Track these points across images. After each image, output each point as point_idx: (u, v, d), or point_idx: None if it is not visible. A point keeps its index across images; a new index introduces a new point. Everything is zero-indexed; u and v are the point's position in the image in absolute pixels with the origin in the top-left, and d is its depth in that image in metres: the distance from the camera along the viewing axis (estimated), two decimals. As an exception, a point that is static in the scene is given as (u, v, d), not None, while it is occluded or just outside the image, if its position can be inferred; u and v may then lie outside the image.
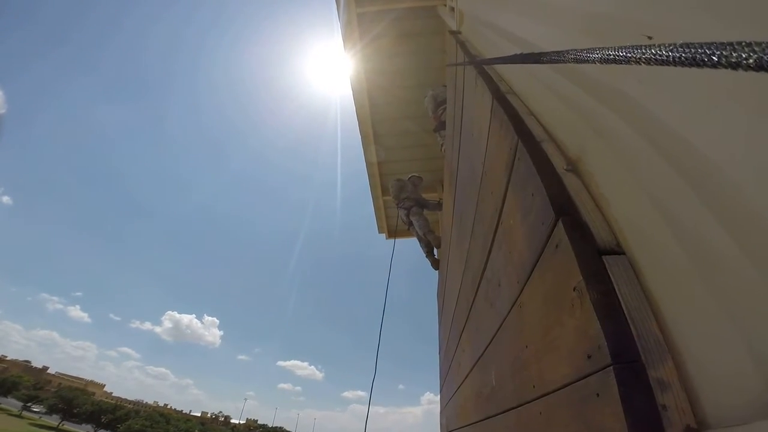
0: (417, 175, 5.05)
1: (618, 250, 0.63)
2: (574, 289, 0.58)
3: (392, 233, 5.83)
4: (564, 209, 0.71)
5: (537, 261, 0.76)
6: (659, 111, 0.59)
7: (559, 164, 0.87)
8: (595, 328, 0.50)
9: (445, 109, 3.90)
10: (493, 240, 1.19)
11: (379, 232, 6.27)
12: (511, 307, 0.94)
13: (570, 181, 0.81)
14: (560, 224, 0.67)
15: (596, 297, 0.53)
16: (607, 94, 0.76)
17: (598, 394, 0.47)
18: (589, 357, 0.51)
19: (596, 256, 0.61)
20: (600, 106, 0.80)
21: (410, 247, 5.04)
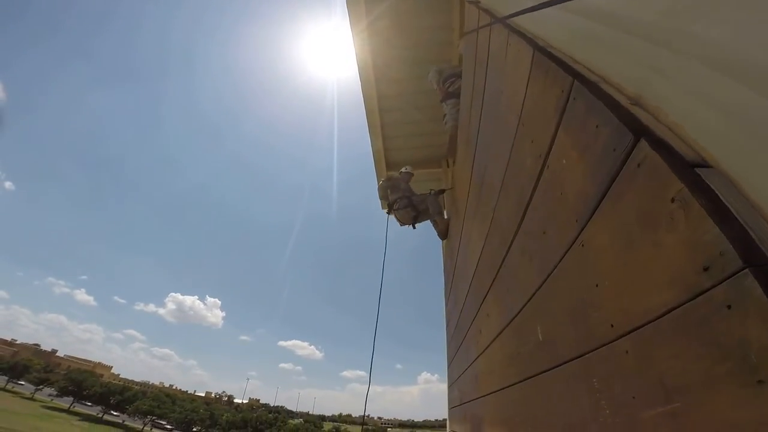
0: (407, 170, 4.84)
1: (707, 164, 0.57)
2: (672, 201, 0.53)
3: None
4: (642, 130, 0.65)
5: (607, 189, 0.71)
6: (733, 44, 0.52)
7: (621, 100, 0.81)
8: (712, 234, 0.45)
9: (453, 82, 3.81)
10: (534, 188, 1.13)
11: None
12: (567, 251, 0.89)
13: (638, 112, 0.75)
14: (642, 142, 0.62)
15: (705, 202, 0.48)
16: (668, 36, 0.69)
17: (729, 306, 0.42)
18: (706, 269, 0.46)
19: (689, 167, 0.55)
20: (659, 49, 0.73)
21: (410, 228, 4.87)
